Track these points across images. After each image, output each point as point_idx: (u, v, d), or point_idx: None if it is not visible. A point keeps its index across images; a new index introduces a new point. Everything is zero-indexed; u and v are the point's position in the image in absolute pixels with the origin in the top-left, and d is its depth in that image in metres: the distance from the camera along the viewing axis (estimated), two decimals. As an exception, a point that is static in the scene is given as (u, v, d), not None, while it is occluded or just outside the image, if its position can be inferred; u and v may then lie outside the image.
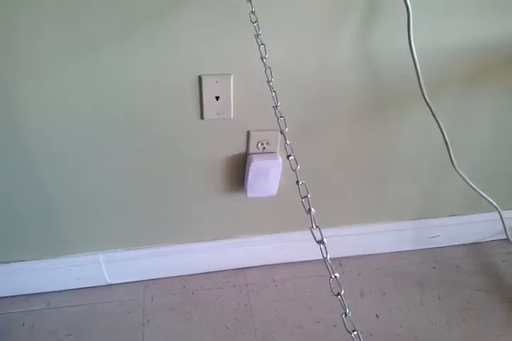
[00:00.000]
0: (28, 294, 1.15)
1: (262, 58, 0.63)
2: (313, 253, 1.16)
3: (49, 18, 0.69)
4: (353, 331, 0.34)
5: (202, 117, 0.86)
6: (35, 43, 0.71)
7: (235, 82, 0.82)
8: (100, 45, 0.74)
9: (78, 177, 0.93)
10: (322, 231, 0.42)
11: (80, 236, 1.06)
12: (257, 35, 0.65)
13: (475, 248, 1.33)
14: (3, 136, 0.83)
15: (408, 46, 0.78)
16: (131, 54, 0.75)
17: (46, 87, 0.77)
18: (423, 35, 0.80)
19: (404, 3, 0.73)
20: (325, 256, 0.38)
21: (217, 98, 0.83)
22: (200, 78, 0.80)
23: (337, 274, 0.37)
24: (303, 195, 0.45)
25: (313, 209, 0.43)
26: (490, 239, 1.35)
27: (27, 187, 0.93)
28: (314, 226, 0.42)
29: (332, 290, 0.36)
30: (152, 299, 1.16)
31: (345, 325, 0.35)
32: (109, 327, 1.10)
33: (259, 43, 0.64)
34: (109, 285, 1.18)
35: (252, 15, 0.66)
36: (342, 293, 0.35)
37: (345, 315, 0.35)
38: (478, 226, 1.29)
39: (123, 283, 1.19)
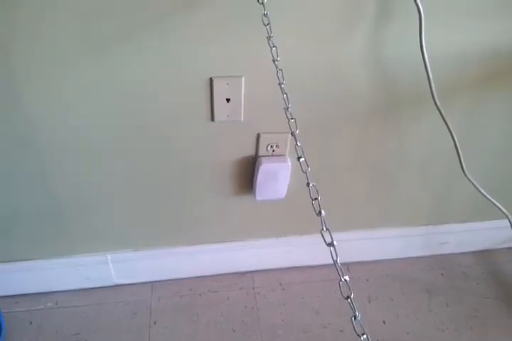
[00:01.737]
0: (36, 293, 1.16)
1: (273, 61, 0.63)
2: (321, 257, 1.15)
3: (60, 19, 0.70)
4: (363, 334, 0.34)
5: (212, 119, 0.87)
6: (44, 44, 0.72)
7: (246, 84, 0.82)
8: (110, 46, 0.74)
9: (87, 178, 0.94)
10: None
11: (88, 236, 1.07)
12: (269, 38, 0.65)
13: (484, 255, 1.32)
14: (14, 136, 0.83)
15: (419, 50, 0.78)
16: (141, 55, 0.76)
17: (56, 88, 0.78)
18: (435, 39, 0.80)
19: (416, 7, 0.73)
20: (335, 258, 0.38)
21: (227, 100, 0.84)
22: (211, 80, 0.81)
23: (347, 277, 0.37)
24: (313, 197, 0.45)
25: (323, 212, 0.43)
26: (499, 247, 1.33)
27: (36, 187, 0.93)
28: (324, 229, 0.42)
29: (342, 293, 0.36)
30: (159, 300, 1.16)
31: (354, 328, 0.34)
32: (115, 328, 1.10)
33: (271, 45, 0.64)
34: (116, 285, 1.18)
35: (264, 17, 0.66)
36: (352, 296, 0.35)
37: (355, 318, 0.35)
38: (487, 234, 1.28)
39: (130, 284, 1.19)
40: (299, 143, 0.52)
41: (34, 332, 1.08)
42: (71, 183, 0.94)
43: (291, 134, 0.54)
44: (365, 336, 0.34)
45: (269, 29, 0.65)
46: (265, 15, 0.66)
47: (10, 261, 1.09)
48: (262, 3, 0.66)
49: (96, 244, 1.09)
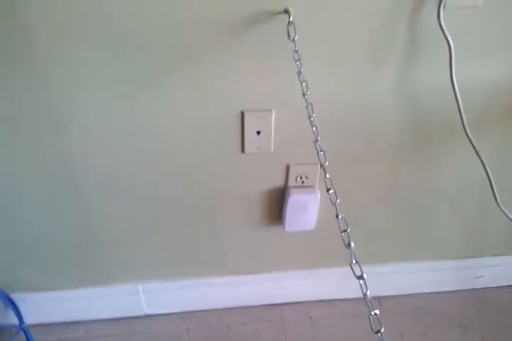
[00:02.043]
0: (68, 322, 1.17)
1: (303, 95, 0.65)
2: (351, 290, 1.13)
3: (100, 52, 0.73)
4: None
5: (243, 151, 0.88)
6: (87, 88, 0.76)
7: (276, 117, 0.84)
8: (145, 80, 0.77)
9: (118, 210, 0.96)
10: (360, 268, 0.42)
11: (119, 267, 1.08)
12: (300, 73, 0.67)
13: (522, 290, 1.28)
14: (51, 163, 0.87)
15: (449, 82, 0.79)
16: (173, 88, 0.78)
17: (92, 121, 0.81)
18: (465, 71, 0.80)
19: (445, 39, 0.74)
20: (365, 291, 0.38)
21: (258, 133, 0.85)
22: (242, 113, 0.83)
23: (377, 311, 0.37)
24: (342, 229, 0.45)
25: (352, 244, 0.43)
26: (537, 281, 1.29)
27: (70, 217, 0.96)
28: (354, 262, 0.42)
29: (372, 328, 0.36)
30: (188, 332, 1.15)
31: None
32: (144, 359, 1.10)
33: (301, 80, 0.66)
34: (146, 315, 1.19)
35: (295, 54, 0.68)
36: (382, 330, 0.35)
37: (386, 353, 0.34)
38: (524, 267, 1.24)
39: (160, 314, 1.19)
40: (328, 176, 0.53)
41: (65, 361, 1.09)
42: (103, 215, 0.96)
43: (321, 166, 0.55)
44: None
45: (299, 65, 0.67)
46: (296, 51, 0.68)
47: (42, 290, 1.11)
48: (293, 40, 0.68)
49: (127, 274, 1.10)
